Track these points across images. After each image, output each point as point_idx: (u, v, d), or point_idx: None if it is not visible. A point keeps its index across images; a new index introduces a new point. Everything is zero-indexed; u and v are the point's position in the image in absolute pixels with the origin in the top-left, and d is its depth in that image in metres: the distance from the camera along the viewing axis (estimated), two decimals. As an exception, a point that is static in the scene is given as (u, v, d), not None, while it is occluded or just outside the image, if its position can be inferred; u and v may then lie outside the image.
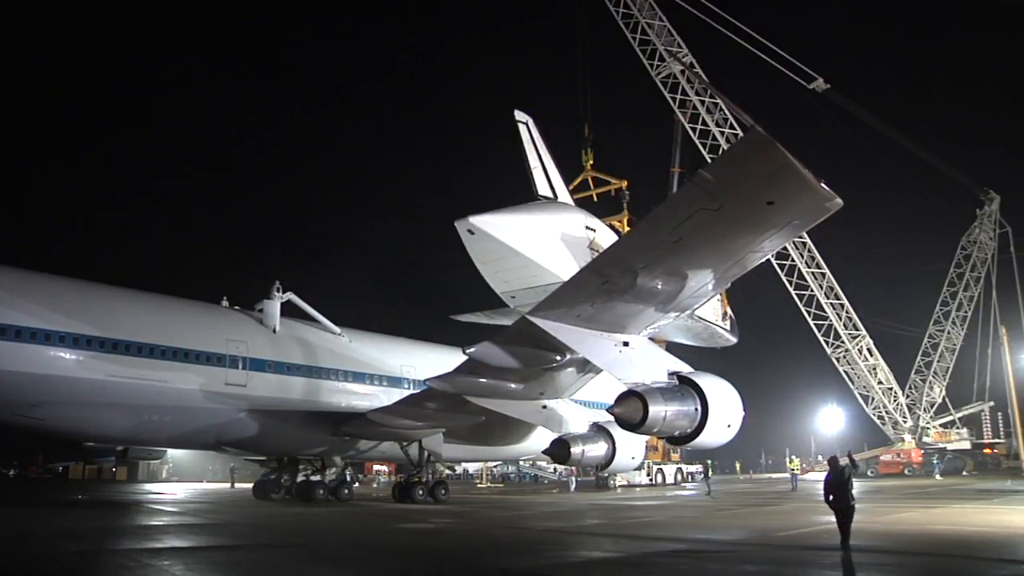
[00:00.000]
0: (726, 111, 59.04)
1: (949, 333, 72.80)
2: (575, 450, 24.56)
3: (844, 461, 14.66)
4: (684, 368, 18.13)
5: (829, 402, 76.59)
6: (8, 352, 20.56)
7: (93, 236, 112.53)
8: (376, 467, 63.81)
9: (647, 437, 24.79)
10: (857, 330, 66.02)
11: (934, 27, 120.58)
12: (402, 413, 26.49)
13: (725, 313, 26.57)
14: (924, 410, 70.17)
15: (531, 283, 19.11)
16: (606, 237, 20.66)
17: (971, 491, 36.16)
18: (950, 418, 71.41)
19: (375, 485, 58.18)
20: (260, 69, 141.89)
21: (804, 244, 63.11)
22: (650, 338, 19.37)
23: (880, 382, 68.11)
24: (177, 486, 55.16)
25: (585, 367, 21.89)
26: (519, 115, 22.70)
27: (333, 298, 35.42)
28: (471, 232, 18.29)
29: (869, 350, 66.76)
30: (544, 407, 24.42)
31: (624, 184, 49.29)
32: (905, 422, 68.61)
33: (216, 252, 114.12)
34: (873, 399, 68.47)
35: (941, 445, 68.35)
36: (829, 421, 77.81)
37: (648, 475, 51.05)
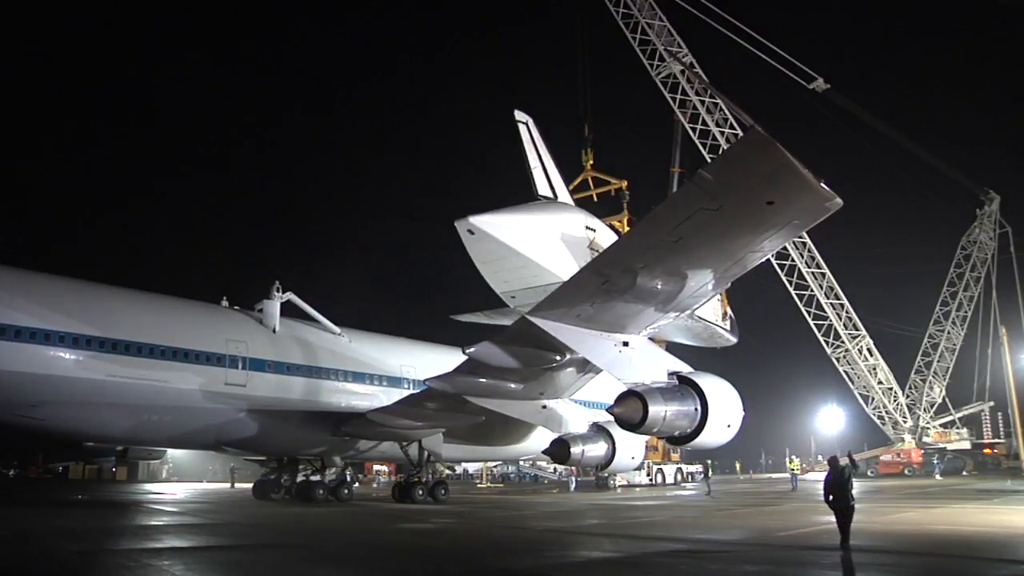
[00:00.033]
0: (726, 111, 59.06)
1: (949, 333, 72.81)
2: (575, 450, 24.56)
3: (844, 461, 14.66)
4: (684, 368, 18.13)
5: (829, 402, 76.71)
6: (8, 352, 20.56)
7: (93, 236, 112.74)
8: (376, 467, 63.80)
9: (647, 437, 24.79)
10: (857, 330, 66.03)
11: (934, 27, 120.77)
12: (402, 413, 26.49)
13: (725, 313, 26.56)
14: (924, 410, 70.17)
15: (531, 283, 19.11)
16: (606, 237, 20.65)
17: (971, 491, 36.15)
18: (950, 418, 71.41)
19: (375, 485, 58.17)
20: (260, 69, 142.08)
21: (804, 244, 63.11)
22: (650, 338, 19.37)
23: (880, 382, 68.11)
24: (177, 486, 55.14)
25: (585, 367, 21.89)
26: (519, 115, 22.70)
27: (333, 298, 35.52)
28: (471, 232, 18.29)
29: (869, 350, 66.77)
30: (544, 407, 24.42)
31: (624, 184, 49.28)
32: (905, 422, 68.62)
33: (216, 252, 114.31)
34: (873, 399, 68.49)
35: (941, 445, 68.36)
36: (829, 421, 77.84)
37: (648, 475, 51.05)
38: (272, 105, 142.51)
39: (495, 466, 63.04)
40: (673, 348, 26.28)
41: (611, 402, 17.43)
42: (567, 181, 24.42)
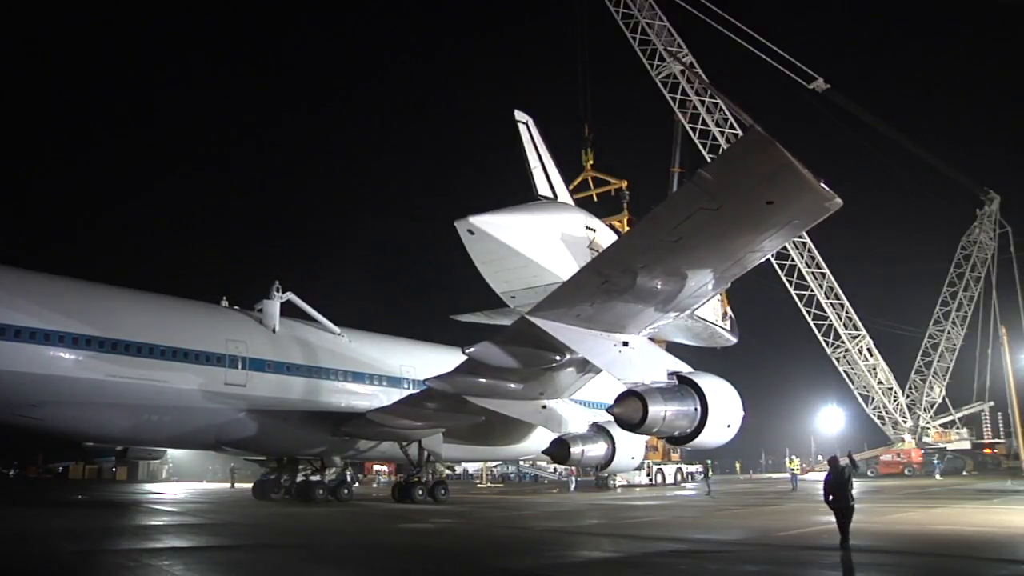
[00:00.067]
0: (726, 111, 59.05)
1: (949, 333, 72.80)
2: (575, 450, 24.55)
3: (844, 461, 14.66)
4: (684, 368, 18.12)
5: (829, 402, 76.71)
6: (8, 352, 20.55)
7: (93, 236, 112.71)
8: (376, 467, 63.80)
9: (647, 437, 24.79)
10: (857, 330, 66.03)
11: (934, 27, 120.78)
12: (402, 413, 26.49)
13: (725, 313, 26.56)
14: (924, 410, 70.16)
15: (531, 283, 19.10)
16: (606, 237, 20.65)
17: (971, 491, 36.15)
18: (950, 418, 71.41)
19: (375, 485, 58.17)
20: (260, 69, 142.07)
21: (804, 244, 63.11)
22: (650, 338, 19.37)
23: (880, 382, 68.11)
24: (177, 486, 55.13)
25: (585, 367, 21.88)
26: (519, 115, 22.69)
27: (333, 298, 35.49)
28: (471, 232, 18.28)
29: (869, 350, 66.76)
30: (544, 407, 24.41)
31: (624, 184, 49.25)
32: (905, 422, 68.62)
33: (216, 252, 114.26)
34: (873, 399, 68.48)
35: (941, 445, 68.36)
36: (829, 421, 77.83)
37: (648, 475, 51.05)
38: (272, 105, 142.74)
39: (495, 466, 63.03)
40: (673, 348, 26.27)
41: (611, 402, 17.43)
42: (567, 181, 24.42)
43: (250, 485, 35.98)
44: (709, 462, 43.80)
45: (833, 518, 13.87)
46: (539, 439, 29.37)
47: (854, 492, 13.95)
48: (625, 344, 18.21)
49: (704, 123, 60.08)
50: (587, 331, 17.95)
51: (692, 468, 54.40)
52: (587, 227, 20.36)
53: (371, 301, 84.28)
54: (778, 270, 63.63)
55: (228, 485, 52.58)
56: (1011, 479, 48.49)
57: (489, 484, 59.67)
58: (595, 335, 18.04)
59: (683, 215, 13.51)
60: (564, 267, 18.60)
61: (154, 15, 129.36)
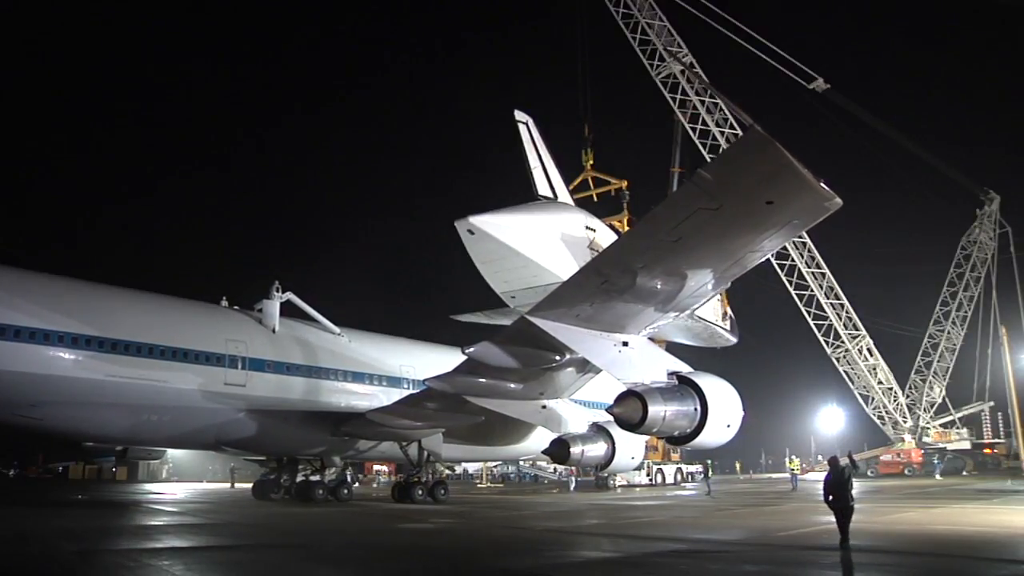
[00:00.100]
0: (726, 111, 59.03)
1: (949, 333, 72.79)
2: (575, 450, 24.54)
3: (844, 461, 14.66)
4: (684, 368, 18.11)
5: (829, 402, 76.71)
6: (7, 352, 20.55)
7: (93, 236, 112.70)
8: (376, 467, 63.79)
9: (647, 437, 24.78)
10: (857, 330, 66.03)
11: (934, 27, 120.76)
12: (401, 413, 26.49)
13: (725, 313, 26.54)
14: (924, 410, 70.16)
15: (531, 283, 19.09)
16: (606, 237, 20.64)
17: (971, 491, 36.15)
18: (950, 418, 71.40)
19: (375, 485, 58.16)
20: (260, 69, 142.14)
21: (804, 244, 63.11)
22: (650, 338, 19.36)
23: (880, 382, 68.11)
24: (177, 486, 55.13)
25: (584, 367, 21.88)
26: (519, 115, 22.67)
27: (333, 298, 35.41)
28: (471, 232, 18.27)
29: (869, 350, 66.76)
30: (544, 407, 24.41)
31: (624, 184, 49.24)
32: (905, 422, 68.61)
33: (216, 252, 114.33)
34: (873, 399, 68.48)
35: (941, 445, 68.35)
36: (829, 421, 77.83)
37: (648, 475, 51.05)
38: (272, 105, 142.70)
39: (495, 466, 63.03)
40: (673, 348, 26.26)
41: (611, 402, 17.43)
42: (567, 181, 24.40)
43: (250, 485, 35.98)
44: (709, 462, 43.81)
45: (833, 518, 13.86)
46: (539, 439, 29.36)
47: (854, 492, 13.95)
48: (625, 344, 18.21)
49: (704, 123, 60.08)
50: (587, 331, 17.95)
51: (692, 468, 54.40)
52: (587, 227, 20.35)
53: (371, 301, 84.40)
54: (778, 270, 63.65)
55: (228, 485, 52.58)
56: (1011, 479, 48.48)
57: (489, 484, 59.66)
58: (595, 335, 18.03)
59: (683, 215, 13.50)
60: (564, 267, 18.59)
61: (154, 15, 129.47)
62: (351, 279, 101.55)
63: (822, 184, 12.21)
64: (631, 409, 16.69)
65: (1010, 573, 12.35)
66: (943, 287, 74.04)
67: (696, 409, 16.89)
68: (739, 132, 56.44)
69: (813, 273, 63.94)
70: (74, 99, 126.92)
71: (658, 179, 59.58)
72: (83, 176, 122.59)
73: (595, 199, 48.27)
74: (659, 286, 16.04)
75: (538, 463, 53.33)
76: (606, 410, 17.76)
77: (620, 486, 48.15)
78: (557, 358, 20.45)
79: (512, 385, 22.67)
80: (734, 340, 27.46)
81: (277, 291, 27.73)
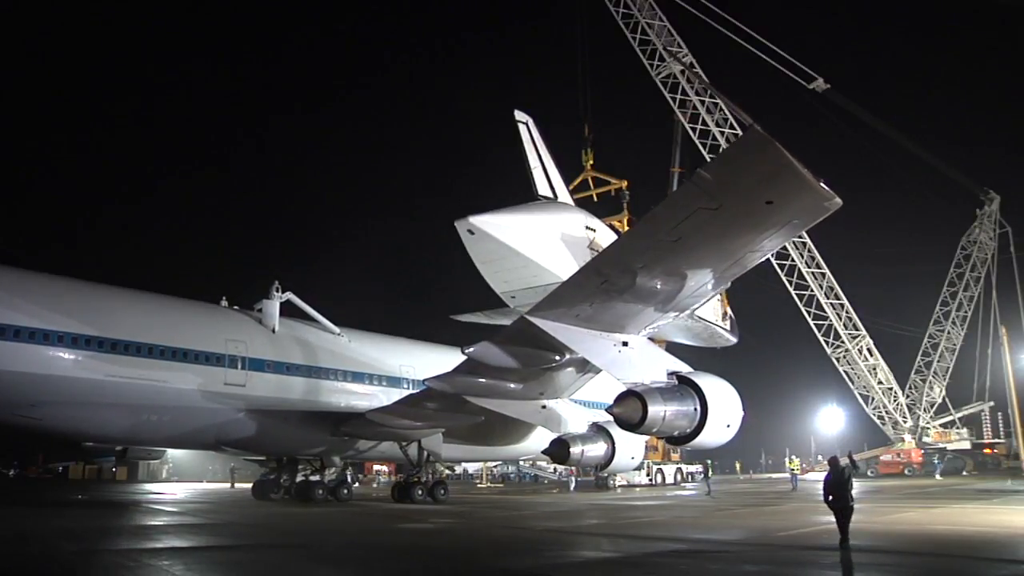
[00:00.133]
0: (726, 111, 59.02)
1: (949, 333, 72.77)
2: (574, 450, 24.54)
3: (844, 461, 14.65)
4: (683, 368, 18.11)
5: (829, 402, 76.67)
6: (7, 352, 20.55)
7: (93, 236, 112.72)
8: (376, 467, 63.78)
9: (647, 437, 24.77)
10: (857, 330, 66.02)
11: (934, 27, 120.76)
12: (401, 413, 26.49)
13: (725, 313, 26.54)
14: (924, 410, 70.14)
15: (531, 283, 19.08)
16: (606, 237, 20.63)
17: (971, 491, 36.14)
18: (950, 418, 71.38)
19: (375, 485, 58.16)
20: (260, 69, 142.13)
21: (804, 244, 63.10)
22: (650, 338, 19.36)
23: (880, 382, 68.10)
24: (177, 486, 55.13)
25: (584, 367, 21.87)
26: (519, 115, 22.67)
27: (333, 298, 35.42)
28: (471, 232, 18.27)
29: (869, 350, 66.75)
30: (543, 407, 24.40)
31: (624, 184, 49.26)
32: (905, 422, 68.61)
33: (216, 252, 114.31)
34: (873, 399, 68.47)
35: (941, 445, 68.33)
36: (829, 421, 77.81)
37: (648, 475, 51.04)
38: (272, 105, 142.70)
39: (495, 466, 63.02)
40: (673, 348, 26.26)
41: (611, 402, 17.43)
42: (567, 181, 24.40)
43: (250, 485, 35.97)
44: (709, 462, 43.77)
45: (833, 518, 13.86)
46: (539, 439, 29.36)
47: (854, 492, 13.95)
48: (625, 344, 18.20)
49: (704, 123, 60.06)
50: (587, 331, 17.94)
51: (692, 468, 54.38)
52: (587, 227, 20.35)
53: (371, 301, 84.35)
54: (778, 270, 63.64)
55: (228, 485, 52.57)
56: (1011, 479, 48.48)
57: (489, 484, 59.66)
58: (595, 335, 18.03)
59: (682, 215, 13.50)
60: (564, 267, 18.59)
61: (154, 15, 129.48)
62: (351, 279, 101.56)
63: (822, 184, 12.21)
64: (631, 409, 16.69)
65: (1010, 573, 12.34)
66: (943, 287, 74.09)
67: (696, 409, 16.89)
68: (739, 132, 56.43)
69: (813, 273, 63.94)
70: (74, 99, 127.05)
71: (658, 179, 59.68)
72: (83, 176, 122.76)
73: (595, 199, 48.33)
74: (659, 286, 16.04)
75: (538, 463, 53.32)
76: (606, 410, 17.76)
77: (620, 486, 48.15)
78: (557, 358, 20.45)
79: (512, 385, 22.67)
80: (734, 340, 27.46)
81: (277, 291, 27.73)
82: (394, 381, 30.05)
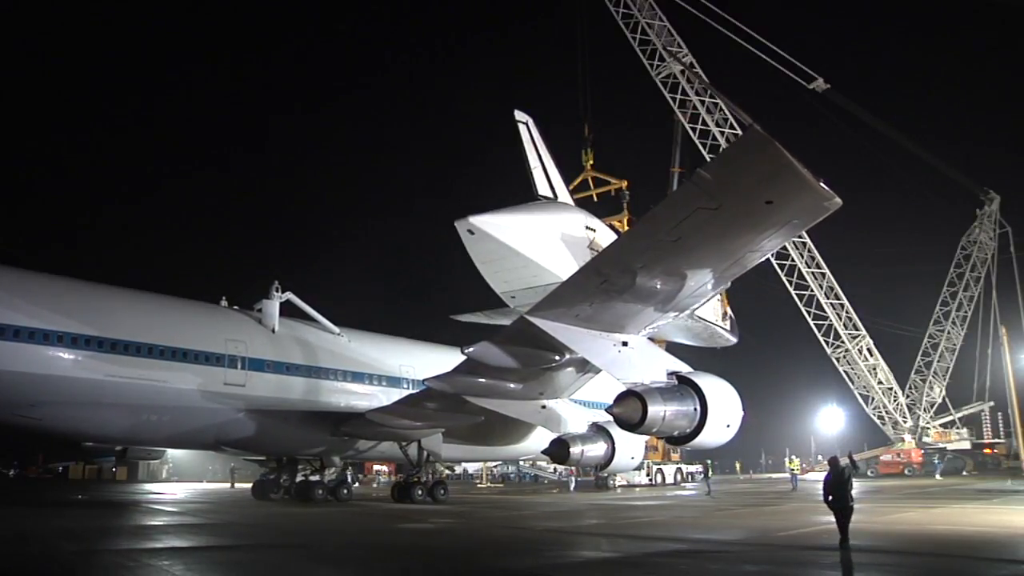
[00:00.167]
0: (726, 111, 59.02)
1: (949, 333, 72.75)
2: (574, 450, 24.53)
3: (844, 461, 14.65)
4: (683, 368, 18.10)
5: (829, 402, 76.60)
6: (7, 352, 20.55)
7: (93, 236, 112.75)
8: (376, 467, 63.78)
9: (646, 437, 24.76)
10: (857, 330, 66.02)
11: (934, 27, 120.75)
12: (401, 413, 26.49)
13: (725, 313, 26.54)
14: (924, 410, 70.13)
15: (531, 283, 19.08)
16: (606, 237, 20.62)
17: (971, 491, 36.14)
18: (950, 418, 71.37)
19: (375, 485, 58.15)
20: (260, 69, 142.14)
21: (804, 244, 63.10)
22: (649, 338, 19.36)
23: (880, 382, 68.09)
24: (177, 486, 55.12)
25: (584, 367, 21.87)
26: (519, 115, 22.67)
27: (333, 298, 35.45)
28: (471, 232, 18.26)
29: (869, 350, 66.74)
30: (543, 407, 24.40)
31: (624, 184, 49.26)
32: (905, 422, 68.60)
33: (216, 252, 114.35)
34: (873, 399, 68.46)
35: (941, 445, 68.31)
36: (829, 421, 77.75)
37: (648, 475, 51.03)
38: (272, 105, 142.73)
39: (495, 466, 63.03)
40: (673, 348, 26.26)
41: (611, 402, 17.42)
42: (567, 181, 24.40)
43: (250, 485, 35.97)
44: (709, 462, 43.77)
45: (833, 518, 13.86)
46: (539, 439, 29.36)
47: (854, 492, 13.94)
48: (624, 344, 18.19)
49: (704, 123, 60.05)
50: (586, 331, 17.94)
51: (692, 468, 54.38)
52: (587, 227, 20.35)
53: (371, 301, 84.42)
54: (778, 270, 63.64)
55: (228, 485, 52.57)
56: (1011, 479, 48.47)
57: (489, 484, 59.65)
58: (594, 335, 18.02)
59: (682, 215, 13.49)
60: (564, 267, 18.58)
61: (154, 15, 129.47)
62: (351, 279, 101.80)
63: (822, 184, 12.20)
64: (631, 409, 16.68)
65: (1010, 573, 12.34)
66: (943, 287, 74.05)
67: (696, 409, 16.89)
68: (739, 132, 56.40)
69: (813, 273, 63.94)
70: (74, 99, 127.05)
71: (658, 179, 59.66)
72: (83, 176, 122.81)
73: (595, 199, 48.34)
74: (659, 286, 16.03)
75: (538, 463, 53.33)
76: (606, 410, 17.75)
77: (620, 486, 48.14)
78: (557, 358, 20.45)
79: (512, 385, 22.67)
80: (734, 340, 27.46)
81: (277, 291, 27.73)
82: (394, 381, 30.05)
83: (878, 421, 69.43)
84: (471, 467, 65.79)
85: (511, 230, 18.59)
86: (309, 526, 19.76)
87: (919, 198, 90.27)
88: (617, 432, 23.81)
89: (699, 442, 17.42)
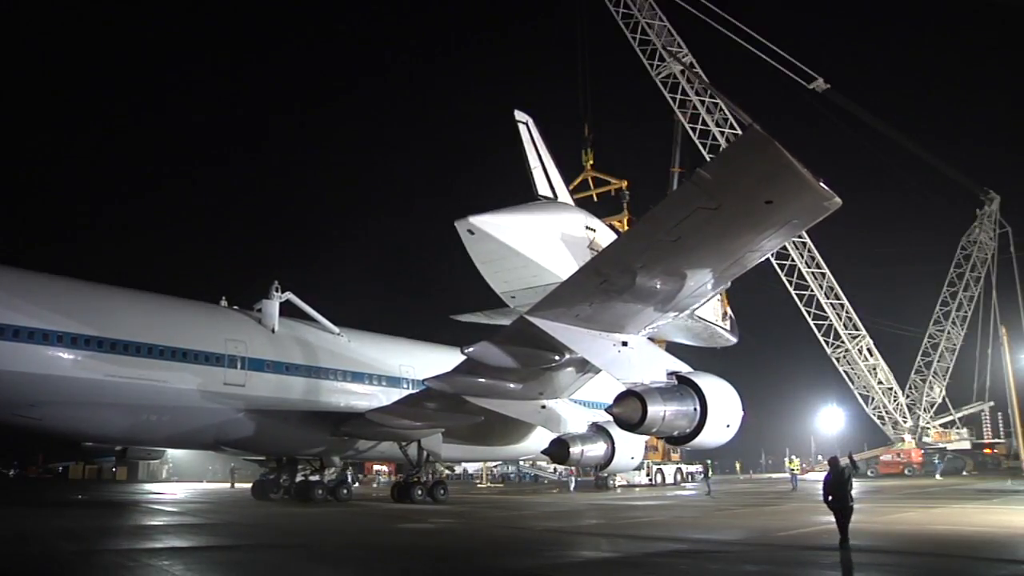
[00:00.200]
0: (726, 111, 59.06)
1: (949, 333, 72.75)
2: (574, 450, 24.53)
3: (844, 461, 14.64)
4: (683, 368, 18.10)
5: (829, 402, 76.62)
6: (7, 352, 20.55)
7: (93, 236, 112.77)
8: (376, 467, 63.77)
9: (646, 437, 24.76)
10: (857, 330, 66.02)
11: (934, 26, 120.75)
12: (401, 413, 26.49)
13: (725, 313, 26.54)
14: (924, 410, 70.13)
15: (531, 283, 19.08)
16: (606, 237, 20.61)
17: (971, 491, 36.14)
18: (950, 418, 71.37)
19: (375, 485, 58.14)
20: (259, 69, 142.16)
21: (804, 244, 63.12)
22: (649, 338, 19.35)
23: (880, 382, 68.09)
24: (177, 486, 55.12)
25: (584, 367, 21.87)
26: (519, 115, 22.67)
27: (333, 298, 35.46)
28: (471, 232, 18.26)
29: (869, 350, 66.75)
30: (543, 407, 24.41)
31: (624, 184, 49.25)
32: (905, 422, 68.60)
33: (215, 252, 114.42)
34: (873, 399, 68.47)
35: (941, 445, 68.32)
36: (829, 421, 77.77)
37: (648, 475, 51.03)
38: (272, 105, 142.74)
39: (495, 466, 63.02)
40: (673, 348, 26.26)
41: (611, 402, 17.42)
42: (567, 181, 24.39)
43: (250, 485, 35.97)
44: (709, 462, 43.77)
45: (833, 518, 13.85)
46: (539, 439, 29.36)
47: (853, 492, 13.94)
48: (624, 344, 18.19)
49: (704, 123, 60.07)
50: (586, 331, 17.93)
51: (692, 468, 54.38)
52: (587, 227, 20.34)
53: (371, 301, 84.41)
54: (778, 270, 63.65)
55: (228, 485, 52.57)
56: (1011, 479, 48.46)
57: (489, 484, 59.65)
58: (594, 335, 18.02)
59: (682, 215, 13.48)
60: (564, 267, 18.57)
61: (154, 15, 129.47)
62: (351, 279, 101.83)
63: (821, 184, 12.20)
64: (630, 409, 16.68)
65: (1010, 573, 12.33)
66: (943, 287, 74.06)
67: (696, 409, 16.88)
68: (739, 132, 56.38)
69: (813, 273, 63.95)
70: (74, 99, 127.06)
71: (658, 179, 59.66)
72: (83, 176, 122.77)
73: (595, 199, 48.34)
74: (658, 286, 16.02)
75: (538, 463, 53.32)
76: (605, 410, 17.75)
77: (620, 486, 48.13)
78: (556, 358, 20.45)
79: (512, 385, 22.67)
80: (734, 340, 27.45)
81: (277, 291, 27.73)
82: (394, 381, 30.05)
83: (878, 421, 69.44)
84: (471, 467, 65.78)
85: (511, 230, 18.58)
86: (309, 526, 19.75)
87: (919, 198, 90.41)
88: (617, 432, 23.80)
89: (699, 442, 17.42)
